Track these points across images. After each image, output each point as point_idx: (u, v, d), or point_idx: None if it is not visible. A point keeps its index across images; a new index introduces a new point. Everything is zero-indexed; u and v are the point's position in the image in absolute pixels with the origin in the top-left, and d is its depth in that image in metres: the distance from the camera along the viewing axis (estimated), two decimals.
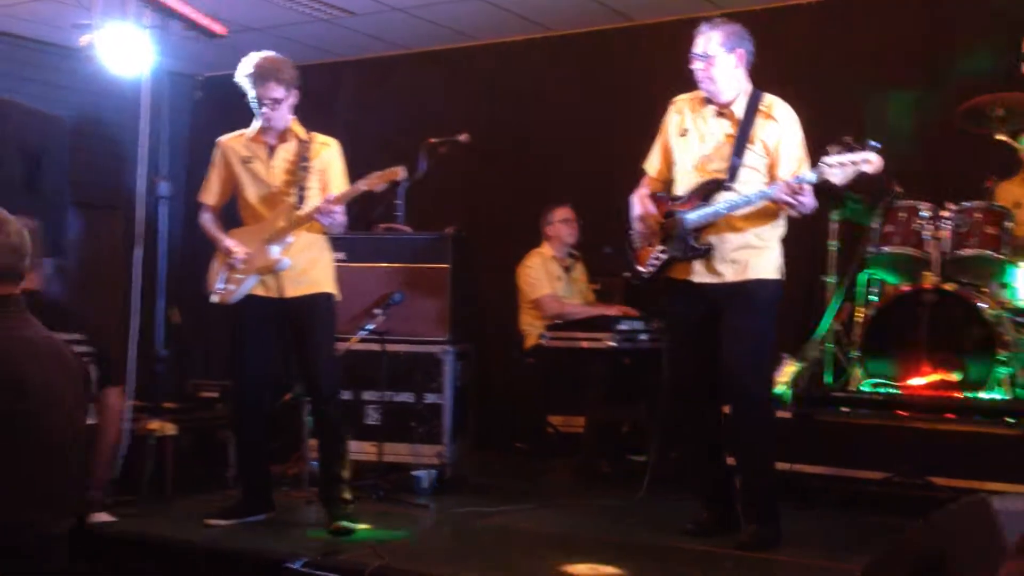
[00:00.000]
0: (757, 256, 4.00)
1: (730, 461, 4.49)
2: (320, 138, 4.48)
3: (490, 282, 6.26)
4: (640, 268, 4.19)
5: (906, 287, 5.06)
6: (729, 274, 3.99)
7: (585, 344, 5.50)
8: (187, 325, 6.20)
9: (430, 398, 5.26)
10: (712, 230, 3.99)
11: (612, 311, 5.95)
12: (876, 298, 5.26)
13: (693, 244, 3.99)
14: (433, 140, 5.87)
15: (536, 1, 6.75)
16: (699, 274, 4.03)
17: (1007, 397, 4.67)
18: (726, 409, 4.21)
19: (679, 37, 6.68)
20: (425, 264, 5.43)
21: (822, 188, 3.87)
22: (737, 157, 3.95)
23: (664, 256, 4.08)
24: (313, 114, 4.64)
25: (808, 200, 3.81)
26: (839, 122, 5.60)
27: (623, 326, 5.49)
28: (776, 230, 4.06)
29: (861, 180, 3.88)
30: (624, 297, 6.40)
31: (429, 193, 5.97)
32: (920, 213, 5.04)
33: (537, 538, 4.26)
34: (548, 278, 6.16)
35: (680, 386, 4.17)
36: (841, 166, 3.68)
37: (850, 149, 3.68)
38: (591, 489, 5.23)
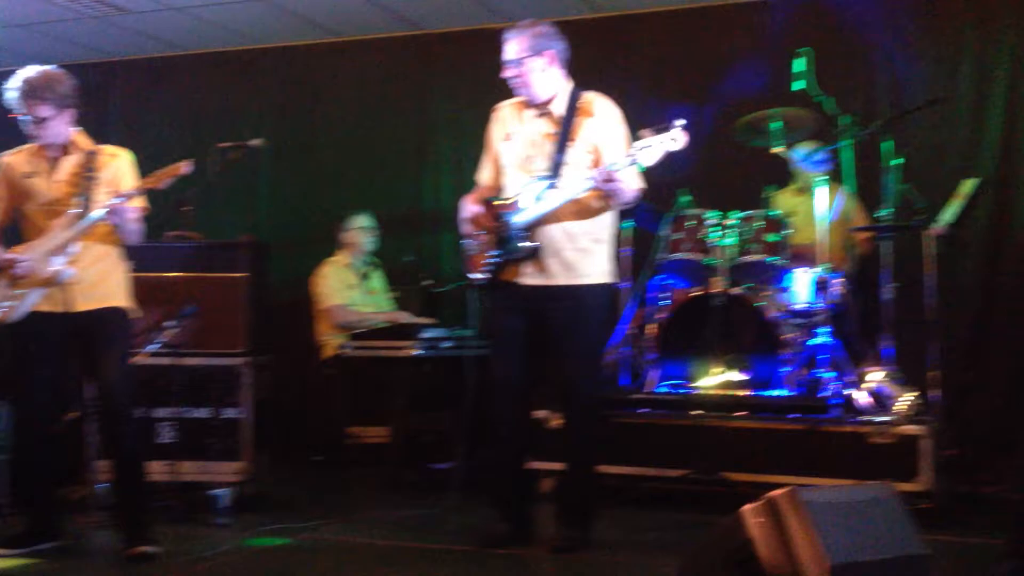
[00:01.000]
0: (587, 259, 4.03)
1: (538, 466, 4.57)
2: (109, 149, 4.25)
3: (287, 291, 6.10)
4: (474, 275, 4.15)
5: (695, 292, 5.29)
6: (560, 276, 4.00)
7: (388, 353, 5.44)
8: None
9: (228, 413, 5.04)
10: (540, 229, 3.99)
11: (407, 319, 5.93)
12: (668, 303, 5.47)
13: (520, 244, 3.99)
14: (223, 145, 5.65)
15: (324, 6, 6.64)
16: (528, 276, 4.02)
17: (791, 394, 4.96)
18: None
19: (468, 46, 6.88)
20: (219, 273, 5.20)
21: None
22: (559, 154, 3.99)
23: (496, 260, 4.06)
24: (85, 114, 4.37)
25: (624, 188, 3.87)
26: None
27: (426, 334, 5.46)
28: (605, 230, 4.10)
29: (649, 189, 4.04)
30: (422, 305, 6.40)
31: (221, 200, 5.76)
32: (707, 221, 5.28)
33: (347, 553, 4.16)
34: (341, 287, 6.07)
35: (504, 389, 4.11)
36: (650, 148, 3.77)
37: (656, 131, 3.79)
38: (398, 500, 5.16)
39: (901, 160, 5.17)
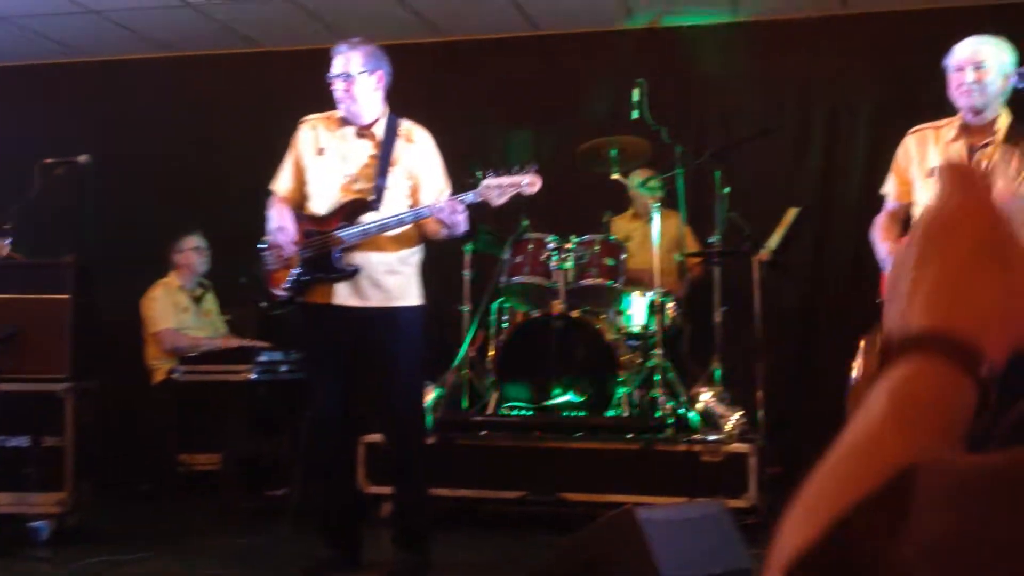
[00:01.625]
0: (402, 282, 4.00)
1: (376, 490, 4.51)
2: None
3: (116, 314, 5.85)
4: (277, 291, 4.04)
5: (535, 315, 5.35)
6: (376, 299, 3.95)
7: (222, 377, 5.29)
8: None
9: (49, 441, 4.79)
10: (358, 251, 3.93)
11: (240, 343, 5.79)
12: (508, 325, 5.51)
13: (339, 265, 3.91)
14: (48, 161, 5.40)
15: (157, 20, 6.45)
16: (343, 297, 3.93)
17: (627, 415, 5.07)
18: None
19: (307, 64, 6.78)
20: (40, 295, 4.95)
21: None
22: (382, 178, 3.95)
23: (304, 278, 3.96)
24: None
25: (464, 220, 3.89)
26: (464, 158, 5.90)
27: (263, 358, 5.34)
28: (416, 255, 4.09)
29: (491, 212, 4.07)
30: (257, 328, 6.25)
31: (44, 218, 5.49)
32: (547, 245, 5.36)
33: None
34: (173, 310, 5.87)
35: (322, 414, 4.03)
36: (501, 187, 3.80)
37: (510, 172, 3.82)
38: (230, 529, 5.00)
39: (728, 189, 5.38)
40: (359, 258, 3.93)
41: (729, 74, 6.42)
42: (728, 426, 4.89)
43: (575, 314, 5.24)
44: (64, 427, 4.81)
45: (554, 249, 5.34)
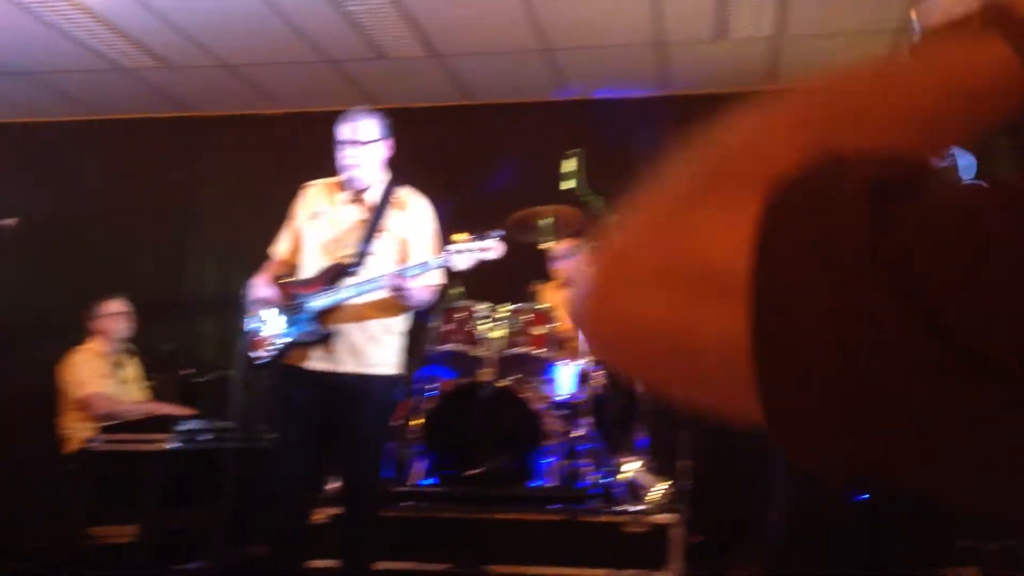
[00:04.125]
0: (379, 349, 3.95)
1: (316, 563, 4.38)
2: None
3: (16, 380, 5.70)
4: (259, 353, 3.98)
5: (463, 382, 5.32)
6: (350, 364, 3.89)
7: (140, 446, 5.15)
8: None
9: None
10: (337, 316, 3.89)
11: (167, 410, 5.67)
12: (435, 393, 5.46)
13: (312, 328, 3.87)
14: None
15: (85, 83, 6.41)
16: (317, 360, 3.88)
17: (552, 485, 5.03)
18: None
19: (236, 131, 6.79)
20: None
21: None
22: (365, 243, 3.93)
23: (285, 340, 3.91)
24: None
25: (413, 294, 3.84)
26: None
27: (183, 426, 5.22)
28: (398, 322, 4.05)
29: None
30: (181, 395, 6.13)
31: None
32: (476, 313, 5.35)
33: None
34: (95, 375, 5.73)
35: (286, 480, 3.91)
36: (463, 252, 3.80)
37: (474, 238, 3.82)
38: None
39: None
40: (337, 324, 3.89)
41: (660, 146, 6.51)
42: (652, 496, 4.87)
43: (502, 383, 5.21)
44: None
45: (484, 317, 5.34)
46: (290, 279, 4.03)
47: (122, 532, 5.45)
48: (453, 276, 5.29)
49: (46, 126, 7.04)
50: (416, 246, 4.04)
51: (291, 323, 3.93)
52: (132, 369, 6.00)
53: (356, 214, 4.03)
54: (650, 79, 6.36)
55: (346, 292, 3.89)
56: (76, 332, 5.91)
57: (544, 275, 5.95)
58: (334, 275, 3.95)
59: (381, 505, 4.19)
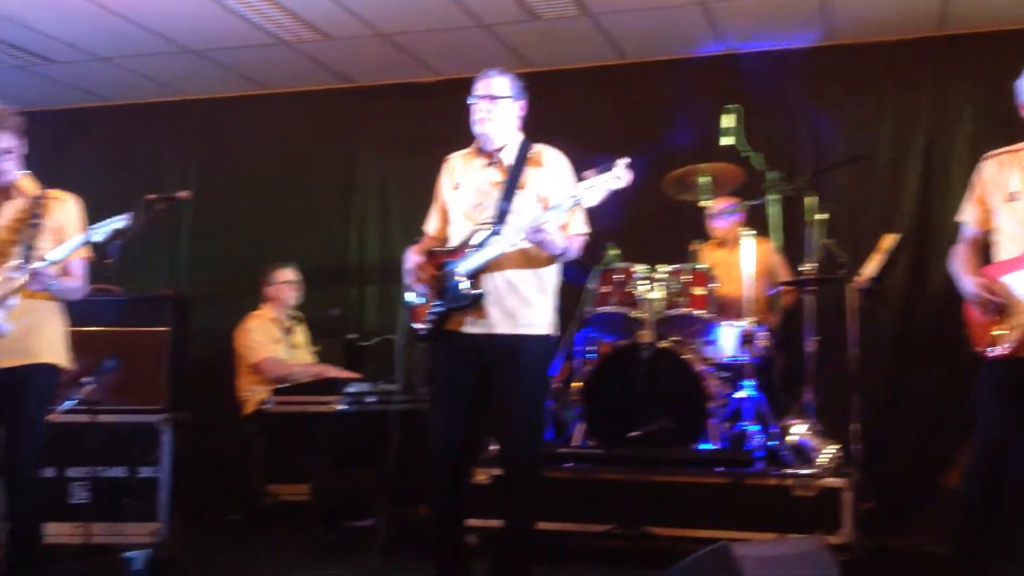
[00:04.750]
0: (529, 309, 3.93)
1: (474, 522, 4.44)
2: (55, 194, 4.15)
3: (203, 345, 5.99)
4: (419, 325, 4.02)
5: (622, 345, 5.29)
6: (503, 326, 3.88)
7: (310, 408, 5.33)
8: None
9: (145, 472, 4.91)
10: (482, 278, 3.88)
11: (334, 373, 5.85)
12: (594, 356, 5.45)
13: (462, 292, 3.89)
14: (150, 196, 5.55)
15: (251, 58, 6.62)
16: (471, 324, 3.90)
17: (716, 447, 4.96)
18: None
19: (396, 100, 6.91)
20: (140, 327, 5.10)
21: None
22: (506, 202, 3.92)
23: (439, 309, 3.95)
24: None
25: (554, 240, 3.77)
26: None
27: (351, 389, 5.37)
28: (549, 281, 4.02)
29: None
30: (346, 359, 6.31)
31: (138, 252, 5.64)
32: (634, 275, 5.30)
33: None
34: (268, 340, 5.97)
35: (443, 442, 3.94)
36: (592, 188, 3.72)
37: (600, 170, 3.75)
38: (315, 560, 5.03)
39: (825, 215, 5.26)
40: (484, 284, 3.89)
41: (822, 99, 6.29)
42: (822, 459, 4.75)
43: (663, 344, 5.16)
44: (160, 458, 4.92)
45: (642, 278, 5.28)
46: (439, 249, 4.06)
47: (297, 490, 5.69)
48: (608, 237, 5.28)
49: (217, 101, 7.31)
50: (555, 200, 3.96)
51: (443, 291, 3.95)
52: (301, 334, 6.22)
53: (493, 176, 4.01)
54: (811, 29, 6.11)
55: (490, 250, 3.87)
56: (248, 298, 6.16)
57: (703, 234, 5.85)
58: (478, 237, 3.92)
59: (541, 465, 4.17)
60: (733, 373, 5.28)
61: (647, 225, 6.04)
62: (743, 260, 5.42)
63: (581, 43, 6.36)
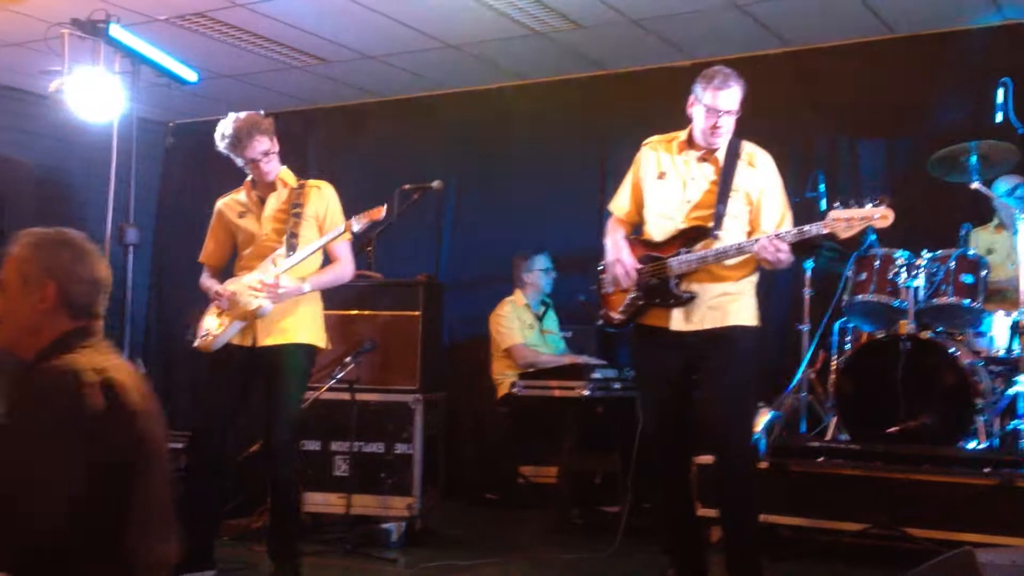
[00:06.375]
0: (736, 303, 3.89)
1: (705, 512, 4.41)
2: (312, 182, 4.46)
3: (460, 329, 6.20)
4: (612, 314, 4.07)
5: (881, 335, 5.02)
6: (709, 322, 3.86)
7: (558, 393, 5.42)
8: (152, 376, 6.09)
9: (400, 448, 5.16)
10: (693, 277, 3.87)
11: (582, 360, 5.90)
12: (850, 346, 5.21)
13: (676, 291, 3.87)
14: (407, 187, 5.83)
15: (509, 50, 6.77)
16: (678, 322, 3.88)
17: (983, 446, 4.61)
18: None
19: (651, 84, 6.85)
20: (397, 311, 5.35)
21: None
22: (721, 205, 3.86)
23: (640, 302, 3.96)
24: (286, 160, 4.59)
25: (786, 257, 3.69)
26: (808, 170, 5.65)
27: (597, 375, 5.41)
28: (753, 277, 3.96)
29: None
30: (597, 346, 6.35)
31: (400, 240, 5.93)
32: (895, 261, 5.01)
33: None
34: (520, 327, 6.11)
35: (655, 436, 3.98)
36: (850, 220, 3.59)
37: (860, 204, 3.61)
38: (564, 541, 5.11)
39: None
40: (695, 285, 3.88)
41: None
42: None
43: (925, 335, 4.85)
44: (413, 436, 5.15)
45: (903, 265, 4.99)
46: (645, 240, 4.00)
47: (547, 472, 5.81)
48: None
49: (474, 94, 7.53)
50: (767, 205, 3.89)
51: (653, 287, 3.90)
52: (551, 320, 6.32)
53: (708, 174, 3.93)
54: None
55: (711, 255, 3.81)
56: (500, 284, 6.32)
57: (975, 217, 5.43)
58: (693, 237, 3.87)
59: (755, 455, 4.09)
60: (1006, 367, 4.89)
61: (909, 208, 5.66)
62: (1020, 244, 5.00)
63: (845, 17, 6.05)
